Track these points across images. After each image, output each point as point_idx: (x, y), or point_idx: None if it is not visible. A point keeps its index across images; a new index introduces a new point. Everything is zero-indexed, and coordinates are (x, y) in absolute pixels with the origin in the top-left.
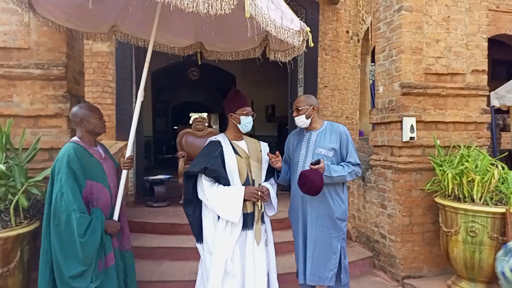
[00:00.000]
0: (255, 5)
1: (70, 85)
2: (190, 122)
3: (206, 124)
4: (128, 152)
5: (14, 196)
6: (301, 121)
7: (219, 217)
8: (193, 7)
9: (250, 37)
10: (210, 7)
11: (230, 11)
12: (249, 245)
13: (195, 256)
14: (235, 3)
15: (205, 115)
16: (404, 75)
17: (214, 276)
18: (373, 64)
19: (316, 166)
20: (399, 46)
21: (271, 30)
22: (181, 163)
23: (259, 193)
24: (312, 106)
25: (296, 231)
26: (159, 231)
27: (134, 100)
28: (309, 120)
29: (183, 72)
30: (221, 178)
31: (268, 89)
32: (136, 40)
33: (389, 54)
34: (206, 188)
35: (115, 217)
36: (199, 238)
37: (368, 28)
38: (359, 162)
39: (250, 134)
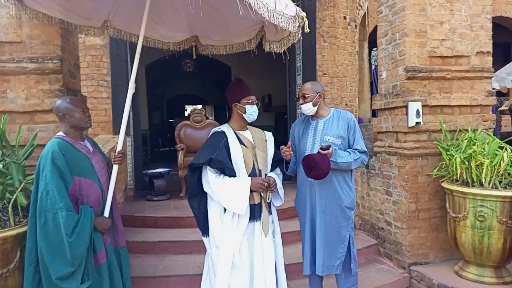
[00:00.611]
0: None
1: (66, 79)
2: (186, 114)
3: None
4: (119, 146)
5: (12, 195)
6: (307, 108)
7: (225, 209)
8: None
9: (245, 29)
10: None
11: None
12: (257, 237)
13: (198, 249)
14: None
15: (199, 107)
16: (409, 59)
17: (221, 270)
18: (375, 49)
19: (325, 152)
20: (403, 29)
21: (263, 14)
22: (180, 155)
23: (266, 184)
24: (318, 93)
25: (303, 221)
26: (160, 225)
27: None
28: (316, 107)
29: (178, 64)
30: (227, 170)
31: (264, 79)
32: (129, 36)
33: (392, 38)
34: (211, 180)
35: (106, 213)
36: (205, 231)
37: (365, 13)
38: (365, 149)
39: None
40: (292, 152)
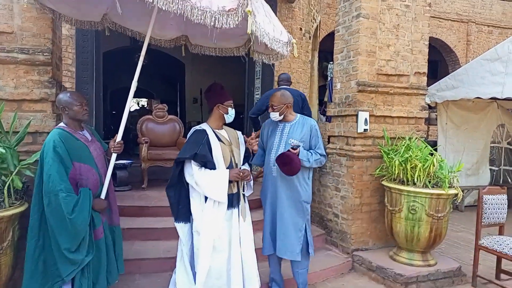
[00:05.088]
0: (256, 21)
1: (54, 71)
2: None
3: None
4: (119, 137)
5: (6, 178)
6: (274, 116)
7: (206, 199)
8: (200, 20)
9: (234, 36)
10: (216, 21)
11: (234, 25)
12: (234, 222)
13: (165, 236)
14: (239, 20)
15: (144, 100)
16: (360, 74)
17: (204, 253)
18: (331, 62)
19: (296, 151)
20: (357, 48)
21: (266, 42)
22: (144, 148)
23: (241, 174)
24: (285, 104)
25: (266, 210)
26: (127, 214)
27: (94, 84)
28: (282, 115)
29: (131, 56)
30: (208, 163)
31: (218, 78)
32: (123, 29)
33: (347, 55)
34: (195, 172)
35: (103, 195)
36: (178, 218)
37: (317, 26)
38: (324, 153)
39: (198, 122)
40: (256, 141)
